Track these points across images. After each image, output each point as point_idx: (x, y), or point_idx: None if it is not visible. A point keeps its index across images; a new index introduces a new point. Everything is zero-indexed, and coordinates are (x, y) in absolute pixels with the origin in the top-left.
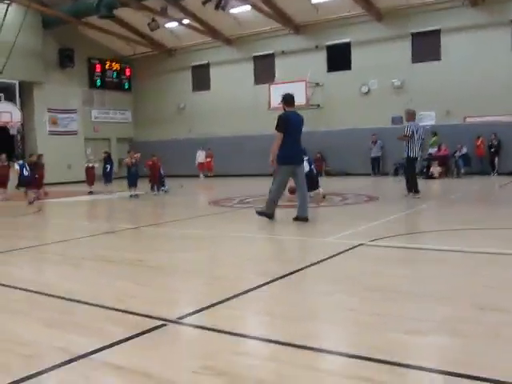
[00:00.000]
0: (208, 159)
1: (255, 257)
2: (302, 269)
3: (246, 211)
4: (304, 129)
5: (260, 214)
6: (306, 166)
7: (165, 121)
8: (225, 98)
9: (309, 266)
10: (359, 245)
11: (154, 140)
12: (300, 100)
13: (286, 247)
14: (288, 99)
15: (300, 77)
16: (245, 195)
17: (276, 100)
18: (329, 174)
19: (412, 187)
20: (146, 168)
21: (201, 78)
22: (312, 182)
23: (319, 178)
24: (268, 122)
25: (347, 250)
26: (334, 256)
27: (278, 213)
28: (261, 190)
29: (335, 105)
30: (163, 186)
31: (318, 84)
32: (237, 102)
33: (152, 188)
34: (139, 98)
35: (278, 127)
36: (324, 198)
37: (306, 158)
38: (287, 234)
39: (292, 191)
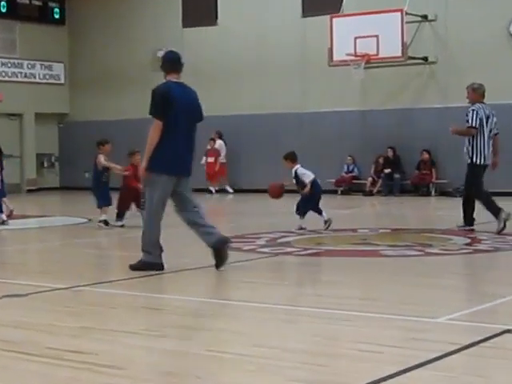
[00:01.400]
0: (211, 159)
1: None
2: None
3: (281, 259)
4: (399, 104)
5: (136, 267)
6: (306, 176)
7: (128, 83)
8: (244, 43)
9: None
10: (504, 332)
11: (108, 120)
12: (390, 49)
13: (368, 338)
14: (169, 61)
15: (389, 4)
16: (281, 228)
17: (343, 46)
18: (445, 192)
19: (492, 211)
20: (126, 175)
21: (199, 5)
22: (312, 203)
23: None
24: (328, 88)
25: (482, 341)
26: (455, 353)
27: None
28: (314, 218)
29: (461, 58)
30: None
31: (425, 18)
32: (268, 51)
33: (119, 215)
34: (80, 40)
35: (152, 109)
36: (328, 225)
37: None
38: (351, 307)
39: (276, 191)
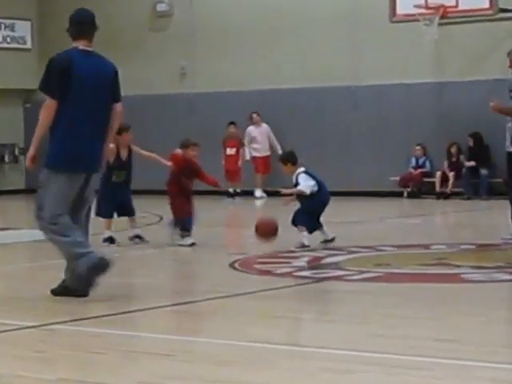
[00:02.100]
0: (231, 150)
1: None
2: None
3: (327, 286)
4: (486, 73)
5: (58, 292)
6: (304, 181)
7: (118, 47)
8: None
9: None
10: None
11: None
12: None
13: None
14: (76, 23)
15: None
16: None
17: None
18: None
19: None
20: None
21: None
22: (312, 217)
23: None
24: (389, 53)
25: None
26: None
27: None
28: (368, 229)
29: None
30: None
31: None
32: (308, 3)
33: (177, 223)
34: None
35: (43, 83)
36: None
37: (302, 170)
38: (423, 351)
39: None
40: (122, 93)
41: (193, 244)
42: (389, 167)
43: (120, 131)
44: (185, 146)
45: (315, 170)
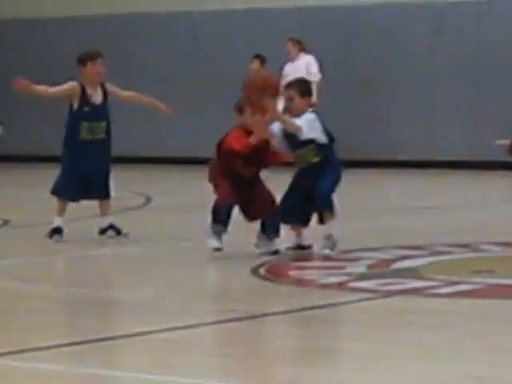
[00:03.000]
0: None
1: None
2: None
3: (399, 304)
4: None
5: None
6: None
7: None
8: None
9: None
10: None
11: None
12: None
13: None
14: None
15: None
16: (403, 239)
17: None
18: None
19: None
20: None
21: None
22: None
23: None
24: None
25: None
26: None
27: None
28: (462, 219)
29: None
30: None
31: None
32: None
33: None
34: None
35: None
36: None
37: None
38: None
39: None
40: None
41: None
42: (493, 125)
43: (83, 60)
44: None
45: (378, 128)
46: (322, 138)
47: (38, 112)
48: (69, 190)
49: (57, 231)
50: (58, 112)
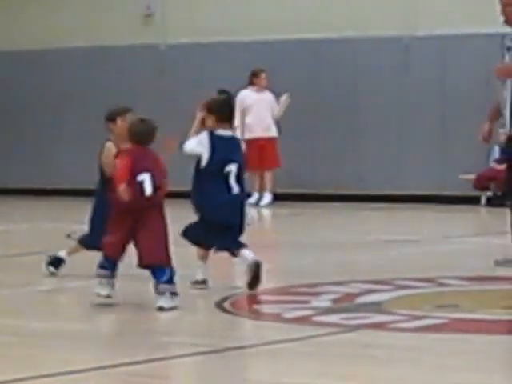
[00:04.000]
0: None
1: None
2: None
3: (365, 338)
4: None
5: None
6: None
7: None
8: None
9: None
10: None
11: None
12: None
13: None
14: None
15: None
16: (367, 273)
17: None
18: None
19: None
20: None
21: None
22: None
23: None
24: None
25: None
26: None
27: None
28: (426, 253)
29: None
30: None
31: None
32: None
33: None
34: None
35: None
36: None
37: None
38: None
39: None
40: (62, 43)
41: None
42: (458, 160)
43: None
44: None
45: (344, 162)
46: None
47: None
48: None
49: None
50: None
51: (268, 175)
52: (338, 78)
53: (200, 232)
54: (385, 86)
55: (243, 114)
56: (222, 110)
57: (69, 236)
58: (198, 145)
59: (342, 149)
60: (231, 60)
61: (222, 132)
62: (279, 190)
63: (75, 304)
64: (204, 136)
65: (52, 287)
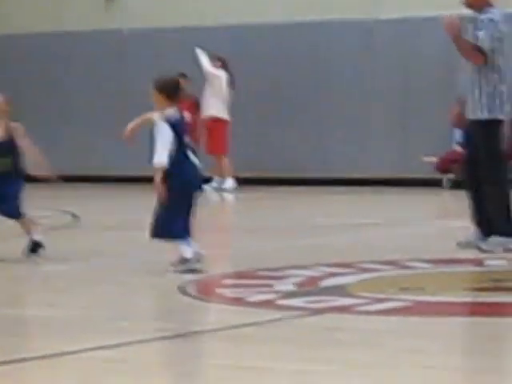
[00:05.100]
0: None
1: None
2: None
3: (327, 322)
4: None
5: None
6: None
7: None
8: None
9: None
10: None
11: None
12: None
13: None
14: None
15: None
16: (332, 256)
17: None
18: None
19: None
20: None
21: None
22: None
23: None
24: None
25: None
26: None
27: None
28: (390, 236)
29: None
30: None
31: None
32: None
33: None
34: None
35: None
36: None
37: None
38: None
39: None
40: (18, 28)
41: None
42: (421, 143)
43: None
44: None
45: (308, 146)
46: None
47: None
48: None
49: None
50: None
51: (225, 160)
52: (300, 63)
53: None
54: (347, 69)
55: None
56: (172, 89)
57: None
58: (167, 148)
59: (306, 133)
60: (193, 45)
61: (172, 113)
62: (242, 175)
63: (39, 290)
64: (167, 133)
65: (19, 273)
